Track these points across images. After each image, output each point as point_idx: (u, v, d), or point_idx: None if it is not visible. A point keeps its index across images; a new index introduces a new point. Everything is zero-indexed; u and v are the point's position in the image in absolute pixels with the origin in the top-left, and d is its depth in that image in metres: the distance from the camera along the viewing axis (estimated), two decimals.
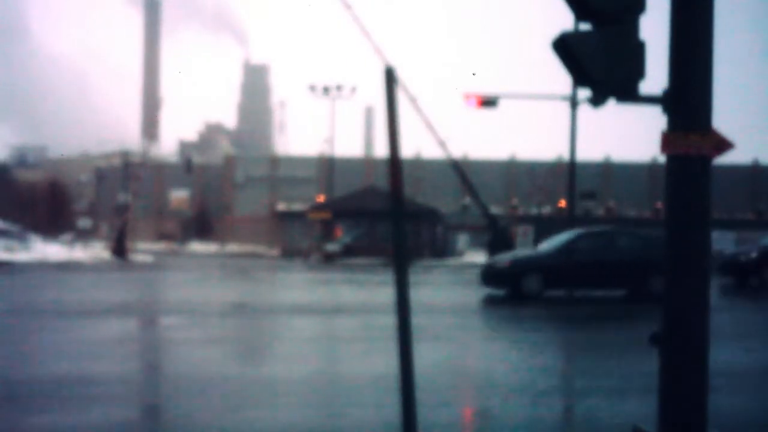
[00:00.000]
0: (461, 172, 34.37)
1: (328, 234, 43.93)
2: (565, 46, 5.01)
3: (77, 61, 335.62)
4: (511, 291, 18.18)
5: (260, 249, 52.74)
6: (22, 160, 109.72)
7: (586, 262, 18.16)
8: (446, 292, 21.93)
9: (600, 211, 49.83)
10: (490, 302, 18.03)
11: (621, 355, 10.64)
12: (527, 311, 16.33)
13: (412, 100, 4.16)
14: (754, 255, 21.69)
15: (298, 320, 14.62)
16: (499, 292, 18.80)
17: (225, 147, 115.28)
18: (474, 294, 19.35)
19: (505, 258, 19.15)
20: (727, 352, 9.84)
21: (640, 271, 17.79)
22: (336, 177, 52.66)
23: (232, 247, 54.68)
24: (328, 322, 14.65)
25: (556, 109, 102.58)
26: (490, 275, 18.95)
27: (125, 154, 60.39)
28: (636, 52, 5.02)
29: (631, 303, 17.63)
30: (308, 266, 35.43)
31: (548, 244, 19.55)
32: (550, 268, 18.08)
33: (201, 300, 18.01)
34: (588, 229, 20.49)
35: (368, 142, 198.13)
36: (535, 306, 16.89)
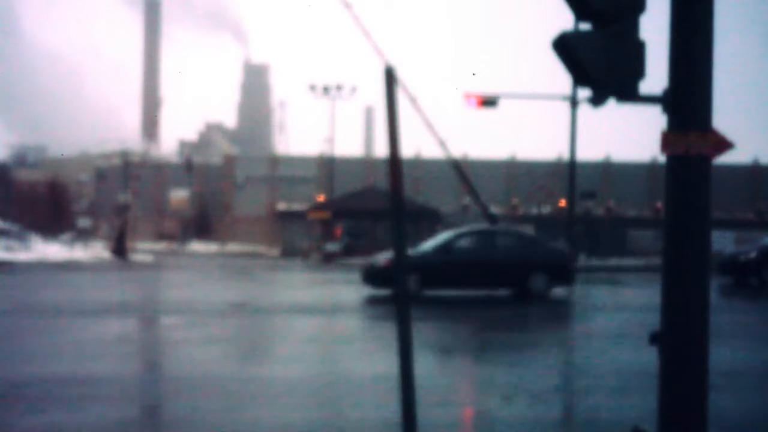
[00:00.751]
0: (461, 171, 34.35)
1: (327, 234, 43.93)
2: (565, 46, 5.01)
3: (78, 61, 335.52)
4: (391, 290, 17.62)
5: (260, 249, 52.72)
6: (22, 159, 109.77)
7: (465, 261, 17.96)
8: (329, 291, 21.28)
9: (600, 211, 49.82)
10: (370, 302, 17.49)
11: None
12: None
13: (412, 99, 4.16)
14: (753, 255, 21.65)
15: (297, 320, 14.62)
16: (382, 291, 18.26)
17: (225, 147, 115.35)
18: (357, 293, 18.64)
19: (383, 257, 18.81)
20: (726, 352, 9.84)
21: (520, 271, 17.80)
22: (336, 177, 52.64)
23: (232, 247, 54.66)
24: (327, 322, 14.65)
25: (556, 108, 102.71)
26: (370, 275, 18.44)
27: (125, 154, 60.46)
28: (636, 52, 5.02)
29: (515, 303, 17.41)
30: (308, 266, 35.44)
31: (429, 244, 19.23)
32: (428, 268, 17.68)
33: (201, 300, 18.02)
34: (468, 229, 20.34)
35: (368, 142, 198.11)
36: (412, 306, 16.38)
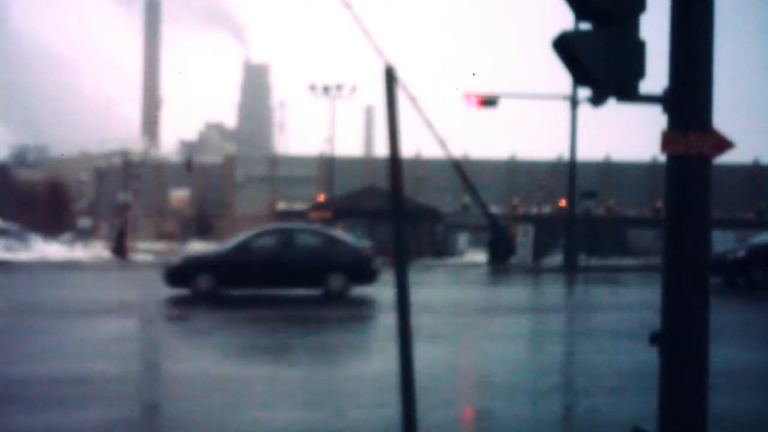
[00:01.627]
0: (461, 171, 34.38)
1: None
2: (565, 46, 5.01)
3: (78, 61, 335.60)
4: (188, 290, 17.38)
5: None
6: (22, 159, 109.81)
7: (263, 260, 17.62)
8: (129, 292, 20.61)
9: (600, 211, 49.82)
10: (167, 302, 17.01)
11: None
12: (199, 312, 15.57)
13: (412, 99, 4.16)
14: (741, 254, 21.37)
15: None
16: (183, 291, 17.65)
17: (225, 146, 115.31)
18: (159, 293, 17.92)
19: (179, 256, 18.36)
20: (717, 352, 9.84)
21: (319, 270, 17.54)
22: (336, 176, 52.64)
23: None
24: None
25: (556, 108, 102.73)
26: (168, 274, 17.91)
27: (125, 154, 60.38)
28: (636, 52, 5.02)
29: (310, 303, 17.02)
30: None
31: (229, 243, 18.99)
32: (224, 267, 17.47)
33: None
34: (267, 227, 20.09)
35: (368, 142, 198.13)
36: (205, 307, 16.01)
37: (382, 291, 18.73)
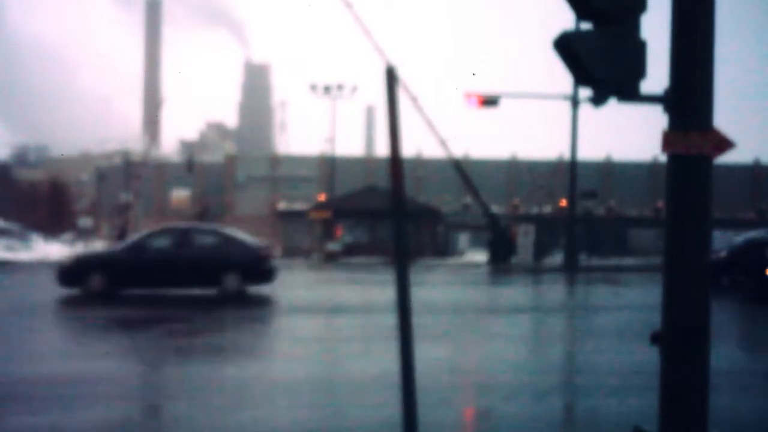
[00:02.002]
0: (462, 171, 34.36)
1: (329, 233, 43.92)
2: (566, 46, 5.00)
3: (79, 61, 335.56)
4: (81, 290, 17.20)
5: None
6: (23, 159, 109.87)
7: (157, 260, 17.50)
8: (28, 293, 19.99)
9: (601, 211, 49.80)
10: (58, 302, 16.69)
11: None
12: (98, 311, 15.18)
13: (413, 99, 4.16)
14: (723, 255, 20.94)
15: (298, 320, 14.63)
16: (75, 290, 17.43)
17: (226, 146, 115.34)
18: (52, 293, 17.51)
19: (71, 255, 18.12)
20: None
21: (214, 270, 17.46)
22: (337, 176, 52.62)
23: None
24: (328, 322, 14.65)
25: (557, 108, 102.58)
26: (59, 273, 17.66)
27: (126, 154, 60.43)
28: (637, 52, 5.02)
29: (203, 303, 16.90)
30: (309, 266, 35.43)
31: (125, 242, 18.77)
32: (116, 267, 17.32)
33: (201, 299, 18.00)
34: (163, 227, 20.06)
35: (369, 142, 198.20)
36: (102, 306, 15.78)
37: (283, 290, 19.01)
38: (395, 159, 3.87)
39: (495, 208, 47.54)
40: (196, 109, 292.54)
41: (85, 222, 55.78)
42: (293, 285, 21.64)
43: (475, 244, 44.72)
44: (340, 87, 51.38)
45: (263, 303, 17.33)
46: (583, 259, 33.78)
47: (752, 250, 19.08)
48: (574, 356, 11.18)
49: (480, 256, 37.64)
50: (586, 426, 6.95)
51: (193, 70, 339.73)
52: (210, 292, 17.63)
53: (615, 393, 7.98)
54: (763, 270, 17.76)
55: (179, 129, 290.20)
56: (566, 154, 35.05)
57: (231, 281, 17.51)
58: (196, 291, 17.89)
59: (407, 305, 3.95)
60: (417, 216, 42.43)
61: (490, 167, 55.59)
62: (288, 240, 50.54)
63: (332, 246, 41.72)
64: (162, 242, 18.00)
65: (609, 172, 56.64)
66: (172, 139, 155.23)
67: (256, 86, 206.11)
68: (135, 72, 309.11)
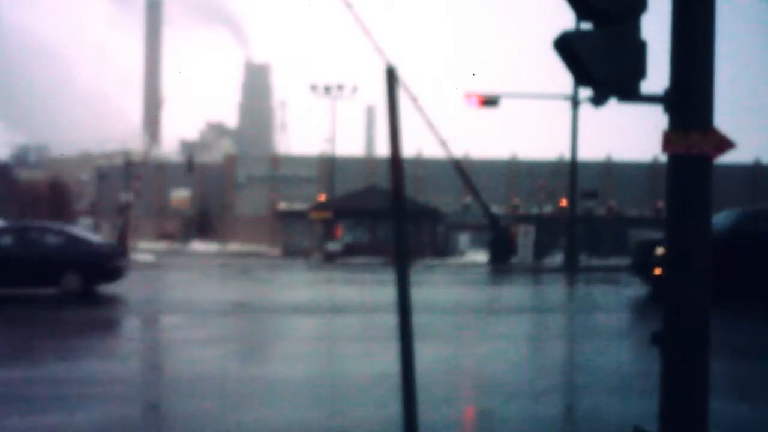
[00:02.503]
0: (462, 171, 34.35)
1: (329, 233, 43.93)
2: (566, 46, 5.01)
3: (80, 61, 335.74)
4: None
5: (261, 248, 52.73)
6: (23, 159, 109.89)
7: None
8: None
9: (601, 211, 49.80)
10: None
11: None
12: None
13: (414, 99, 4.17)
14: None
15: (298, 320, 14.63)
16: None
17: (226, 146, 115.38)
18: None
19: None
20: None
21: (54, 269, 17.25)
22: (337, 176, 52.65)
23: (233, 247, 54.64)
24: (328, 322, 14.65)
25: (557, 108, 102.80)
26: None
27: (126, 154, 60.38)
28: (637, 52, 5.02)
29: (42, 302, 16.67)
30: (309, 266, 35.44)
31: None
32: None
33: (202, 299, 18.02)
34: (3, 225, 19.63)
35: (369, 142, 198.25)
36: None
37: (131, 289, 18.82)
38: (395, 159, 3.87)
39: (495, 208, 47.54)
40: (197, 109, 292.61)
41: (85, 222, 55.82)
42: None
43: (476, 244, 44.74)
44: (340, 87, 51.41)
45: (110, 302, 16.98)
46: (584, 259, 33.79)
47: (645, 250, 18.87)
48: (573, 356, 11.18)
49: (480, 257, 37.64)
50: (586, 425, 6.95)
51: (193, 70, 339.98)
52: (48, 291, 17.32)
53: (615, 393, 7.97)
54: (652, 270, 17.52)
55: (179, 129, 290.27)
56: (566, 154, 35.10)
57: (71, 280, 17.27)
58: (39, 290, 17.49)
59: (407, 305, 3.95)
60: (417, 216, 42.45)
61: (490, 167, 55.64)
62: (288, 240, 50.57)
63: (332, 246, 41.73)
64: (1, 241, 17.76)
65: (609, 172, 56.68)
66: (172, 139, 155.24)
67: (256, 86, 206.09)
68: (135, 72, 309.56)
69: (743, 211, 17.49)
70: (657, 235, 19.55)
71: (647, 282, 18.70)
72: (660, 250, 16.75)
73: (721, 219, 16.70)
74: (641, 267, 18.85)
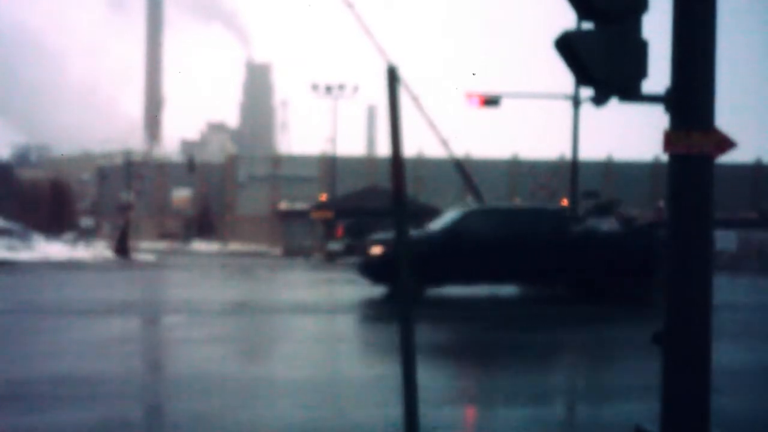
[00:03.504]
0: (463, 171, 34.35)
1: (330, 233, 43.93)
2: (567, 45, 5.01)
3: (81, 61, 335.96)
4: None
5: (262, 248, 52.76)
6: (24, 159, 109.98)
7: None
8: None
9: None
10: None
11: None
12: None
13: (415, 99, 4.17)
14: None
15: (299, 320, 14.62)
16: None
17: (227, 146, 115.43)
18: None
19: None
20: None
21: None
22: (338, 176, 52.67)
23: (234, 246, 54.68)
24: (329, 322, 14.65)
25: (558, 108, 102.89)
26: None
27: (127, 153, 60.43)
28: (638, 51, 5.02)
29: None
30: (310, 265, 35.44)
31: None
32: None
33: (203, 299, 18.01)
34: None
35: (370, 141, 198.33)
36: None
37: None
38: (396, 159, 3.87)
39: None
40: (198, 108, 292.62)
41: (86, 222, 55.84)
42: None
43: None
44: (341, 87, 51.43)
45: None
46: None
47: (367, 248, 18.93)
48: (573, 356, 11.17)
49: None
50: (586, 425, 6.94)
51: (194, 70, 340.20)
52: None
53: (616, 393, 7.98)
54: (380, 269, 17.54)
55: (180, 128, 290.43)
56: (567, 154, 35.11)
57: None
58: None
59: (409, 305, 3.95)
60: (418, 216, 42.45)
61: (491, 167, 55.65)
62: (289, 240, 50.59)
63: (333, 246, 41.73)
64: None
65: (610, 172, 56.71)
66: (173, 139, 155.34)
67: (257, 86, 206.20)
68: (136, 71, 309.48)
69: (461, 212, 18.22)
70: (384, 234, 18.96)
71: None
72: (377, 249, 17.52)
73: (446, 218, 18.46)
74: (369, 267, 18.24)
